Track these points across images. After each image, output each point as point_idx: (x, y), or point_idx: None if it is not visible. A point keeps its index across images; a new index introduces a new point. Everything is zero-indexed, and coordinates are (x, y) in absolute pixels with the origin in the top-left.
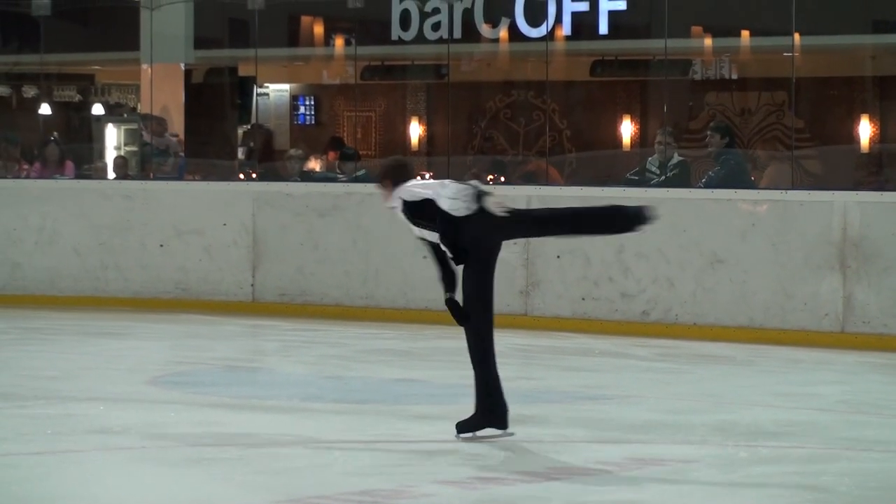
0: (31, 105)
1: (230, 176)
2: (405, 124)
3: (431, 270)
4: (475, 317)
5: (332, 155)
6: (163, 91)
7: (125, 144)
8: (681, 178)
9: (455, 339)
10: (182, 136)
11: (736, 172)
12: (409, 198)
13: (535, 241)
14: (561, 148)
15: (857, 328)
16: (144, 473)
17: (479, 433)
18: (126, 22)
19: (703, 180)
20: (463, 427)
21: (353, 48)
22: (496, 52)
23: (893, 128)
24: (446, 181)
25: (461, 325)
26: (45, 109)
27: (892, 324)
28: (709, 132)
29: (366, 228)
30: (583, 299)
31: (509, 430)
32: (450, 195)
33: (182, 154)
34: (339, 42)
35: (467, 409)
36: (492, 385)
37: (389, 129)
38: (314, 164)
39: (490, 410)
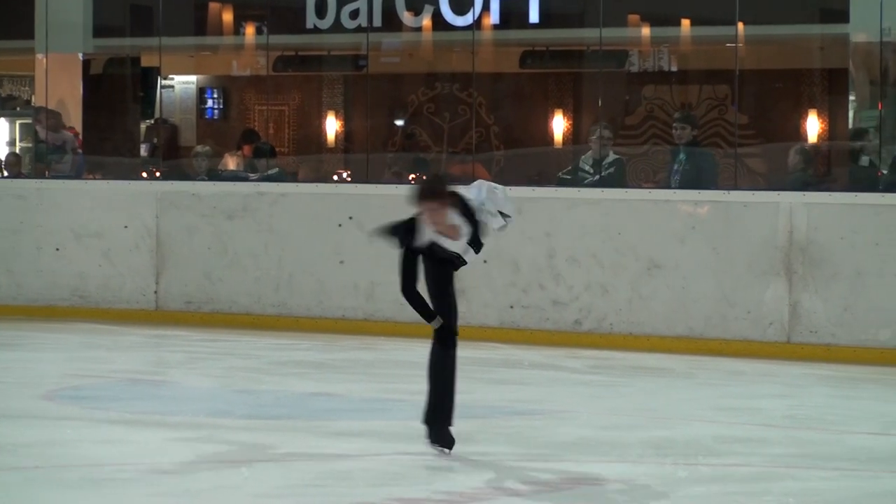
0: None
1: (132, 174)
2: (321, 119)
3: (348, 276)
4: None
5: (246, 149)
6: (59, 83)
7: (19, 140)
8: (616, 178)
9: (374, 351)
10: (80, 132)
11: (707, 172)
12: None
13: None
14: (488, 145)
15: (804, 338)
16: (39, 496)
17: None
18: (19, 8)
19: (677, 178)
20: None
21: (265, 37)
22: (419, 42)
23: (843, 124)
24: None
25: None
26: None
27: (840, 334)
28: (676, 123)
29: (278, 231)
30: (511, 307)
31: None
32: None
33: (80, 151)
34: (249, 30)
35: (387, 424)
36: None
37: (304, 123)
38: (230, 162)
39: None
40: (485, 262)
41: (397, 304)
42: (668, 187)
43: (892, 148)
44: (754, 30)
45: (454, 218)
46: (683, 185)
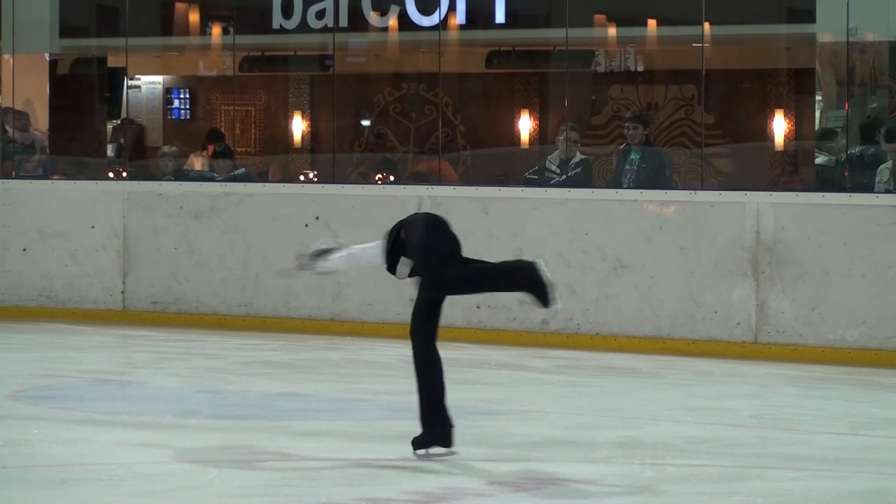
0: None
1: (99, 175)
2: (287, 119)
3: (314, 277)
4: (420, 326)
5: (211, 149)
6: (26, 83)
7: None
8: (583, 178)
9: (340, 351)
10: (46, 132)
11: (661, 171)
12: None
13: None
14: (455, 145)
15: (771, 338)
16: (6, 496)
17: (431, 451)
18: None
19: (631, 176)
20: (417, 443)
21: (232, 37)
22: (385, 42)
23: (809, 124)
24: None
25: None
26: None
27: (807, 333)
28: (629, 123)
29: (245, 231)
30: (478, 307)
31: (453, 448)
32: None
33: (47, 151)
34: (216, 31)
35: (354, 424)
36: (436, 401)
37: (270, 124)
38: (196, 163)
39: (434, 427)
40: None
41: (364, 304)
42: (620, 187)
43: (863, 148)
44: (720, 30)
45: None
46: (639, 185)
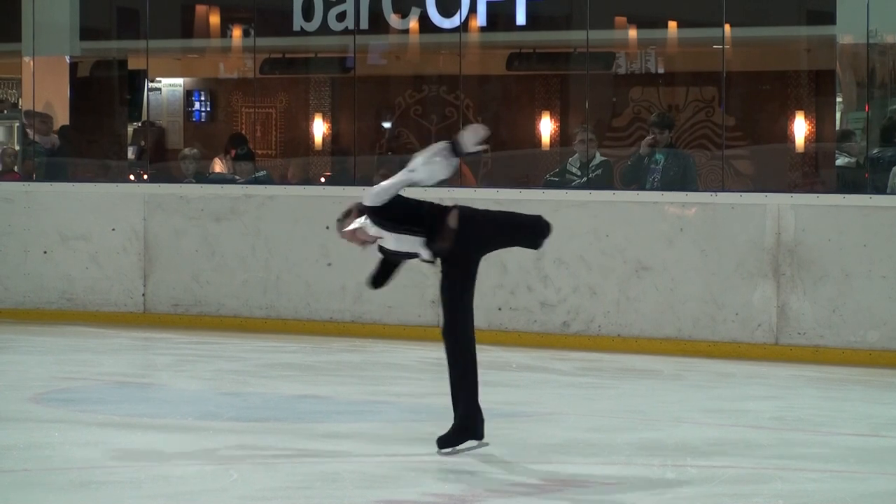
0: None
1: (119, 177)
2: (308, 121)
3: (336, 279)
4: (459, 325)
5: (234, 153)
6: (46, 86)
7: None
8: (603, 179)
9: (361, 353)
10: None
11: (687, 175)
12: (375, 201)
13: None
14: None
15: (792, 340)
16: (27, 499)
17: (460, 447)
18: (5, 10)
19: (655, 178)
20: (443, 442)
21: (252, 39)
22: (406, 45)
23: (830, 126)
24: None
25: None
26: None
27: (828, 335)
28: (653, 127)
29: (266, 234)
30: (499, 309)
31: (485, 440)
32: (421, 163)
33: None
34: (236, 33)
35: (375, 426)
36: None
37: (291, 126)
38: (219, 166)
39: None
40: None
41: (385, 306)
42: (643, 188)
43: (882, 150)
44: (741, 32)
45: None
46: (664, 187)
